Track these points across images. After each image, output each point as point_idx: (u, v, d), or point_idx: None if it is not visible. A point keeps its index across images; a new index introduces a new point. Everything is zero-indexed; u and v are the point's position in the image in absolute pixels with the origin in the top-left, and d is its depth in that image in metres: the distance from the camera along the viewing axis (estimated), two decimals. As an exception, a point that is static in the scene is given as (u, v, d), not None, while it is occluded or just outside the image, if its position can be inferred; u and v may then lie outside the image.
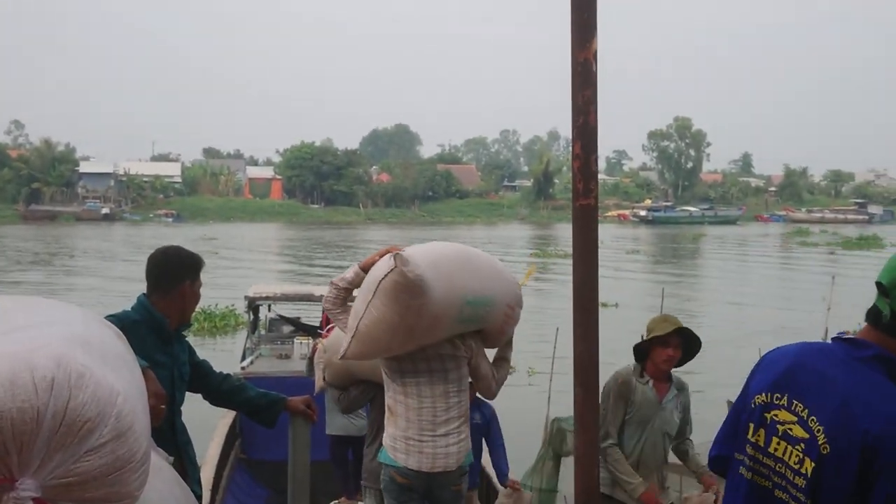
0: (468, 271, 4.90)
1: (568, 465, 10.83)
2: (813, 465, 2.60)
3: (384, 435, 5.11)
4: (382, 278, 4.46)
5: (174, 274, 4.86)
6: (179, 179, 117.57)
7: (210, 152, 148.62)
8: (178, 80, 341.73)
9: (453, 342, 5.03)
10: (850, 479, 2.52)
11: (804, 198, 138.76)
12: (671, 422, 6.66)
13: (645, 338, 6.62)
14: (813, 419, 2.64)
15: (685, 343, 6.59)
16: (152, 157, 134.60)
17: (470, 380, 5.33)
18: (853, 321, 26.23)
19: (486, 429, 7.41)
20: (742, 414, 2.91)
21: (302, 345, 14.38)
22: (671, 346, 6.52)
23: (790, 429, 2.70)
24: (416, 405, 4.94)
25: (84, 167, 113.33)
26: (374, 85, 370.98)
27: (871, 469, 2.50)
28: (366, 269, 4.76)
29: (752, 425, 2.84)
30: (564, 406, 10.07)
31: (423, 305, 4.52)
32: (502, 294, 5.12)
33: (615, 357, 14.49)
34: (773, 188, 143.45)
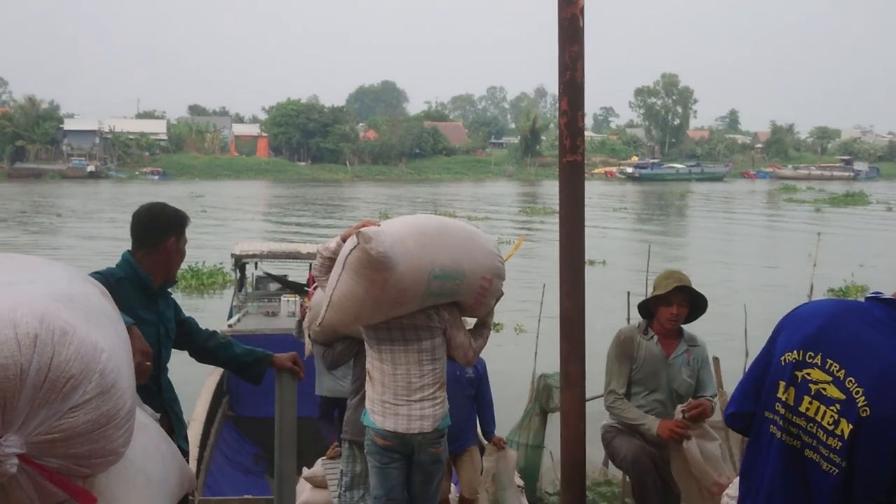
0: (438, 246, 5.02)
1: (554, 421, 10.91)
2: (850, 427, 2.52)
3: (366, 398, 5.33)
4: (349, 254, 4.71)
5: (158, 230, 4.84)
6: (165, 137, 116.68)
7: (195, 109, 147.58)
8: (163, 36, 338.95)
9: (427, 313, 5.19)
10: (893, 445, 2.45)
11: (790, 154, 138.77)
12: (679, 378, 6.50)
13: (649, 295, 6.56)
14: (851, 380, 2.55)
15: (692, 299, 6.48)
16: (137, 115, 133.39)
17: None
18: (838, 278, 26.42)
19: (477, 383, 7.40)
20: (769, 372, 2.81)
21: (289, 302, 14.39)
22: (674, 304, 6.41)
23: (824, 388, 2.61)
24: (391, 371, 5.16)
25: (69, 124, 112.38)
26: (361, 41, 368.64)
27: None
28: (346, 240, 4.95)
29: (782, 383, 2.74)
30: (551, 363, 10.11)
31: (387, 280, 4.72)
32: (477, 267, 5.19)
33: (602, 314, 14.57)
34: (759, 145, 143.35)
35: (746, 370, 3.01)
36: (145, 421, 2.80)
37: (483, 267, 5.23)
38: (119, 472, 2.41)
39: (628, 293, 12.41)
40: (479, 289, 5.25)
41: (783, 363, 2.75)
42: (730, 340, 12.62)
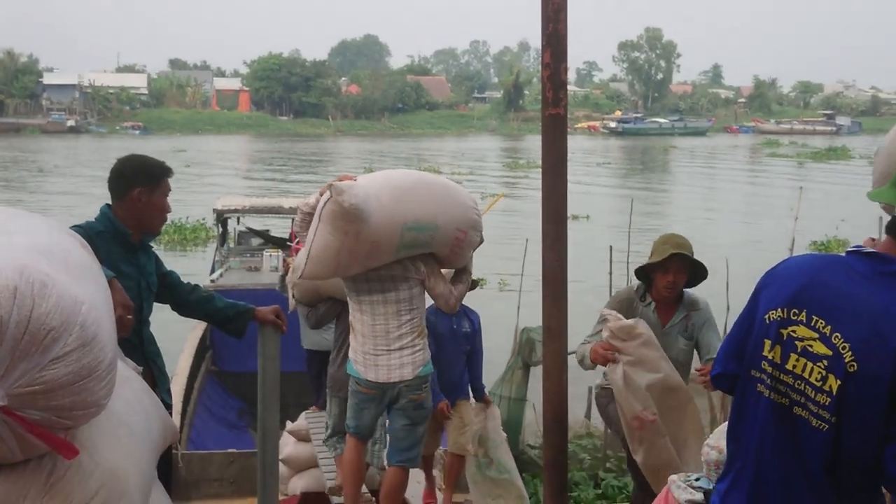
0: (411, 198, 5.19)
1: (537, 375, 10.96)
2: (839, 382, 2.52)
3: (349, 349, 5.60)
4: (323, 206, 4.93)
5: (123, 182, 4.80)
6: (145, 91, 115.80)
7: (176, 63, 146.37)
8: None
9: (404, 264, 5.39)
10: (881, 399, 2.45)
11: (773, 109, 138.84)
12: (676, 347, 6.02)
13: (644, 261, 6.12)
14: (837, 335, 2.55)
15: (692, 264, 6.05)
16: (117, 69, 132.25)
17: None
18: (820, 232, 26.53)
19: (472, 338, 7.26)
20: (753, 330, 2.80)
21: (271, 257, 14.39)
22: (671, 271, 5.96)
23: (810, 345, 2.60)
24: (371, 322, 5.39)
25: (48, 79, 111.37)
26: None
27: None
28: (322, 194, 5.15)
29: (767, 342, 2.73)
30: (534, 317, 10.14)
31: (360, 231, 4.91)
32: (451, 219, 5.36)
33: (585, 269, 14.60)
34: (742, 99, 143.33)
35: (729, 330, 3.00)
36: (127, 374, 2.79)
37: (457, 219, 5.40)
38: (101, 425, 2.41)
39: (610, 248, 12.43)
40: (453, 240, 5.42)
41: (767, 321, 2.74)
42: (711, 296, 12.64)
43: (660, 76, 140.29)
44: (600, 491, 9.98)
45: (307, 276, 5.19)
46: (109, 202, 4.88)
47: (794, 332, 2.66)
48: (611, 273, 12.30)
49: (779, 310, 2.71)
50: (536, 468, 10.00)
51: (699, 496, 3.52)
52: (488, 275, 20.76)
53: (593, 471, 10.79)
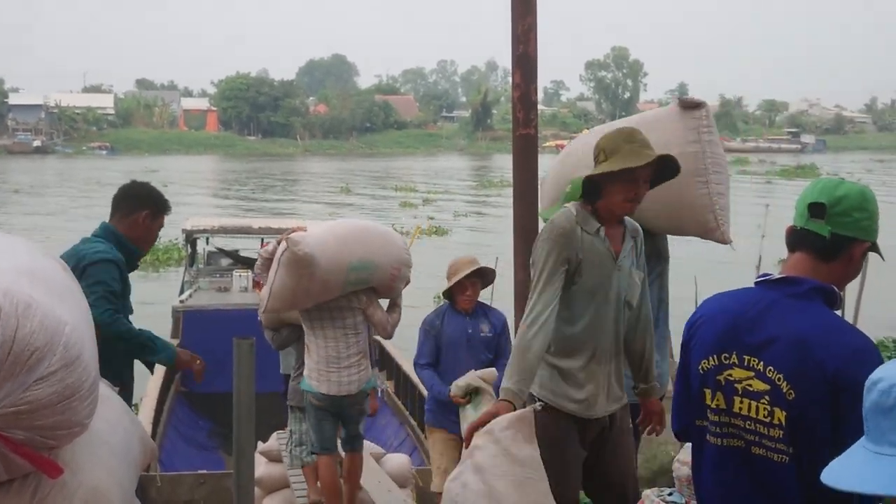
0: (354, 243, 6.12)
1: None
2: (784, 413, 2.57)
3: (304, 367, 6.49)
4: (282, 255, 5.83)
5: (136, 201, 5.07)
6: (112, 111, 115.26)
7: (143, 83, 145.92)
8: (109, 8, 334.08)
9: (348, 297, 6.28)
10: (825, 418, 2.51)
11: (739, 127, 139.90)
12: (633, 285, 4.33)
13: (599, 162, 4.16)
14: (770, 369, 2.60)
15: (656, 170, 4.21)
16: (84, 89, 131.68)
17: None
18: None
19: (496, 341, 6.68)
20: (692, 383, 2.85)
21: (241, 277, 14.32)
22: (640, 178, 4.11)
23: (749, 385, 2.65)
24: (323, 344, 6.30)
25: (13, 99, 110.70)
26: (310, 14, 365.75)
27: (839, 407, 2.49)
28: (280, 243, 6.04)
29: (707, 391, 2.78)
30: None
31: (313, 273, 5.82)
32: (387, 258, 6.28)
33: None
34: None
35: (674, 386, 3.02)
36: (107, 393, 2.81)
37: (392, 258, 6.30)
38: (83, 443, 2.43)
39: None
40: (389, 276, 6.32)
41: (702, 371, 2.78)
42: (682, 318, 12.67)
43: (627, 95, 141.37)
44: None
45: (269, 311, 6.27)
46: (103, 221, 5.07)
47: (730, 375, 2.71)
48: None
49: (710, 358, 2.76)
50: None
51: (672, 511, 3.57)
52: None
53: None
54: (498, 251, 13.04)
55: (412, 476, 7.75)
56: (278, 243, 6.03)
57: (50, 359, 2.18)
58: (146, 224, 5.05)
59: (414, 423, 10.58)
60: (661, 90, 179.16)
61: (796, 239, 2.73)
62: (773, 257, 17.99)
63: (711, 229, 4.28)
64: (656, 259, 4.60)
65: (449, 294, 6.70)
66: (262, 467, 7.37)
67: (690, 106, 4.54)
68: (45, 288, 2.31)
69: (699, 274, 12.66)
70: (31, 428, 2.20)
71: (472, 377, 6.03)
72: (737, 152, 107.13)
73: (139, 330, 4.88)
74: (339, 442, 6.75)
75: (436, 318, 6.74)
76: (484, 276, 6.76)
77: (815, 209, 2.67)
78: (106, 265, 4.76)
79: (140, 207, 5.02)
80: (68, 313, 2.29)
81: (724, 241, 4.36)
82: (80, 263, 4.69)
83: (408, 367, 11.71)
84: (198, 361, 5.10)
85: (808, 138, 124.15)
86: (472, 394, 5.99)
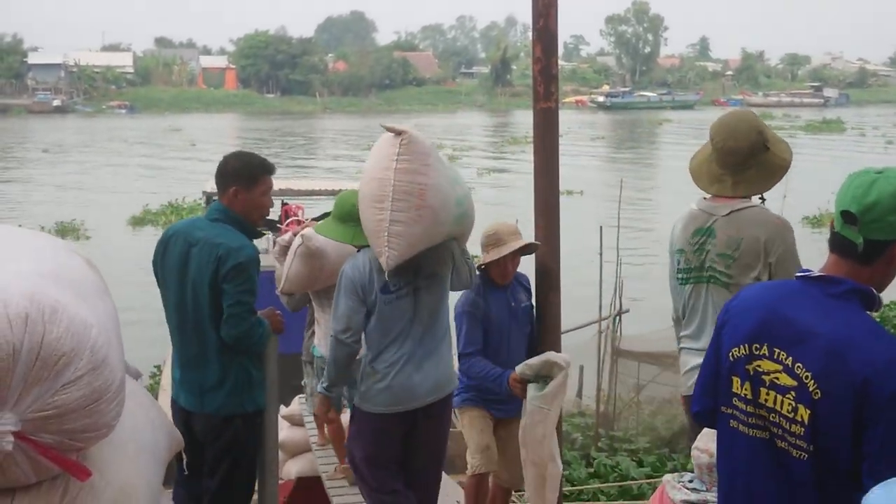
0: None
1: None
2: (808, 411, 2.56)
3: (315, 337, 6.82)
4: (297, 248, 6.35)
5: (222, 178, 4.87)
6: (132, 70, 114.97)
7: (162, 42, 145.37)
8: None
9: None
10: (847, 423, 2.50)
11: (761, 82, 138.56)
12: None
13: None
14: (799, 366, 2.59)
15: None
16: (103, 48, 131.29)
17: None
18: (813, 206, 26.47)
19: (531, 309, 6.11)
20: (720, 368, 2.84)
21: (261, 239, 14.36)
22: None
23: (777, 378, 2.64)
24: (329, 319, 6.11)
25: (33, 58, 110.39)
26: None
27: (863, 412, 2.48)
28: (295, 235, 6.57)
29: (735, 379, 2.77)
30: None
31: (323, 264, 6.29)
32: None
33: (578, 248, 14.65)
34: (730, 72, 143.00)
35: (700, 367, 3.03)
36: (133, 387, 2.83)
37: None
38: (110, 442, 2.46)
39: (601, 227, 12.49)
40: None
41: (732, 359, 2.78)
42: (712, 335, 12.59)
43: (647, 50, 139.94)
44: (592, 469, 10.06)
45: (285, 292, 6.70)
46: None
47: (759, 366, 2.70)
48: (601, 252, 12.37)
49: (741, 346, 2.75)
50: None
51: (694, 497, 3.57)
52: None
53: (585, 450, 10.89)
54: (519, 213, 13.06)
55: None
56: (294, 235, 6.63)
57: (77, 363, 2.20)
58: (242, 198, 4.79)
59: None
60: (682, 44, 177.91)
61: (834, 241, 2.69)
62: (798, 214, 17.97)
63: (379, 253, 4.56)
64: (413, 274, 4.84)
65: (484, 266, 5.71)
66: (284, 431, 7.43)
67: (393, 132, 4.57)
68: (71, 290, 2.32)
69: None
70: (58, 432, 2.23)
71: (552, 355, 5.32)
72: (759, 107, 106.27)
73: (260, 327, 4.77)
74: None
75: (477, 297, 5.69)
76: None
77: (847, 217, 2.62)
78: (254, 266, 4.67)
79: (227, 184, 4.82)
80: (94, 315, 2.31)
81: (383, 266, 4.60)
82: (225, 259, 4.59)
83: None
84: (277, 313, 4.99)
85: (830, 92, 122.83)
86: (543, 376, 5.29)
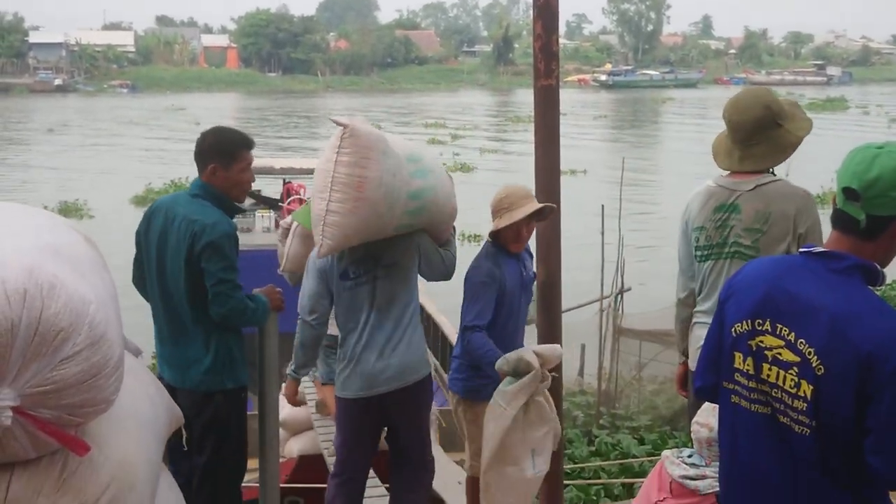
0: None
1: (529, 333, 11.04)
2: (811, 387, 2.56)
3: None
4: (296, 228, 6.42)
5: (200, 156, 4.79)
6: (133, 49, 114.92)
7: (163, 20, 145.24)
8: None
9: None
10: (850, 398, 2.50)
11: (764, 60, 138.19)
12: None
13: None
14: (802, 342, 2.59)
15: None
16: (103, 26, 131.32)
17: None
18: (815, 185, 26.38)
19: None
20: (723, 343, 2.85)
21: (263, 218, 14.38)
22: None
23: (779, 353, 2.65)
24: None
25: (33, 37, 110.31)
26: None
27: (866, 387, 2.48)
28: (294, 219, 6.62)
29: (738, 354, 2.78)
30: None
31: None
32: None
33: (580, 227, 14.65)
34: (732, 50, 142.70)
35: (704, 343, 3.03)
36: (132, 363, 2.84)
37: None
38: (109, 418, 2.46)
39: (602, 207, 12.49)
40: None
41: (735, 334, 2.78)
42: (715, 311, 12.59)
43: (650, 28, 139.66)
44: (594, 447, 10.09)
45: (286, 271, 6.65)
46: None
47: (761, 342, 2.70)
48: (602, 231, 12.37)
49: (744, 322, 2.75)
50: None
51: (693, 471, 3.58)
52: (482, 230, 20.86)
53: (586, 428, 10.92)
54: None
55: (435, 416, 7.84)
56: (291, 219, 6.75)
57: (75, 338, 2.21)
58: (221, 175, 4.72)
59: (436, 361, 10.66)
60: (685, 22, 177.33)
61: (836, 217, 2.69)
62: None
63: (317, 242, 4.68)
64: (373, 263, 4.99)
65: (496, 233, 5.35)
66: (286, 409, 7.44)
67: (339, 125, 4.66)
68: (69, 265, 2.32)
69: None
70: (57, 407, 2.23)
71: (526, 353, 4.96)
72: (762, 85, 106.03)
73: (253, 302, 4.71)
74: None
75: (493, 265, 5.28)
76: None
77: (849, 193, 2.62)
78: (229, 242, 4.60)
79: (206, 162, 4.74)
80: (92, 291, 2.31)
81: (317, 254, 4.81)
82: (199, 235, 4.54)
83: (430, 306, 11.76)
84: (277, 291, 4.92)
85: (833, 70, 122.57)
86: (522, 372, 4.92)
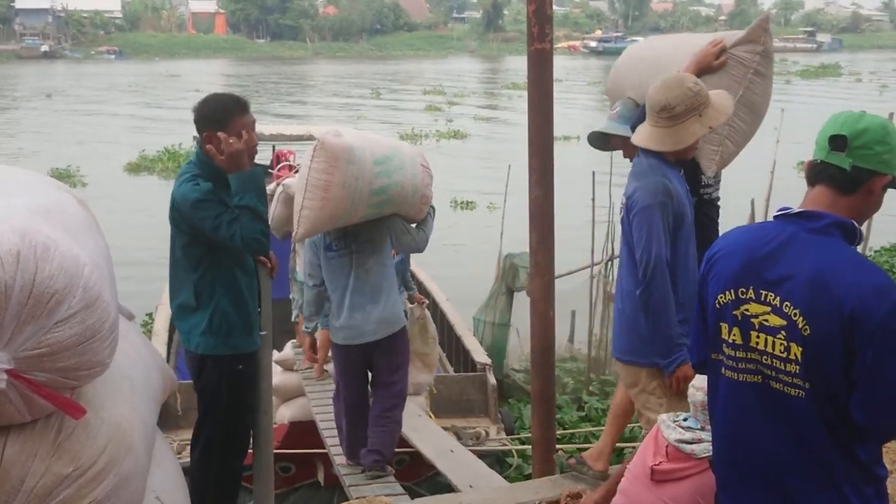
0: None
1: (520, 299, 11.05)
2: (800, 349, 2.58)
3: (297, 264, 7.69)
4: (279, 195, 7.40)
5: (196, 125, 4.74)
6: (120, 15, 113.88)
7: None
8: None
9: None
10: (837, 354, 2.52)
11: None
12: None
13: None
14: (787, 304, 2.60)
15: None
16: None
17: None
18: (807, 153, 26.40)
19: None
20: (707, 317, 2.85)
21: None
22: None
23: (766, 320, 2.65)
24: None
25: (19, 2, 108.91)
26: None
27: (851, 343, 2.50)
28: (277, 185, 7.65)
29: (723, 325, 2.78)
30: (517, 244, 10.18)
31: None
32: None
33: (571, 194, 14.67)
34: (723, 17, 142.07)
35: (691, 319, 3.06)
36: (127, 327, 2.83)
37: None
38: (105, 381, 2.45)
39: (593, 173, 12.44)
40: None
41: (719, 306, 2.79)
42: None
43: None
44: (584, 413, 10.11)
45: (272, 230, 6.71)
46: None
47: (747, 310, 2.71)
48: (594, 198, 12.33)
49: (727, 292, 2.76)
50: (522, 393, 10.13)
51: (688, 435, 3.58)
52: (476, 198, 20.80)
53: (577, 394, 10.93)
54: (513, 159, 13.02)
55: (428, 383, 7.84)
56: (277, 185, 7.77)
57: (70, 301, 2.19)
58: (216, 141, 4.62)
59: (442, 353, 10.65)
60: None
61: (816, 172, 2.70)
62: (791, 160, 17.93)
63: (294, 229, 5.75)
64: (352, 239, 6.03)
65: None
66: (277, 376, 7.44)
67: (315, 139, 5.78)
68: (62, 227, 2.30)
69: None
70: (52, 370, 2.22)
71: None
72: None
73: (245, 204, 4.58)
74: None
75: (666, 181, 4.32)
76: None
77: (837, 142, 2.63)
78: (203, 205, 4.50)
79: (201, 130, 4.68)
80: (86, 253, 2.29)
81: (296, 238, 5.99)
82: (174, 203, 4.55)
83: (430, 284, 11.73)
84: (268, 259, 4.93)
85: (823, 37, 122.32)
86: None
